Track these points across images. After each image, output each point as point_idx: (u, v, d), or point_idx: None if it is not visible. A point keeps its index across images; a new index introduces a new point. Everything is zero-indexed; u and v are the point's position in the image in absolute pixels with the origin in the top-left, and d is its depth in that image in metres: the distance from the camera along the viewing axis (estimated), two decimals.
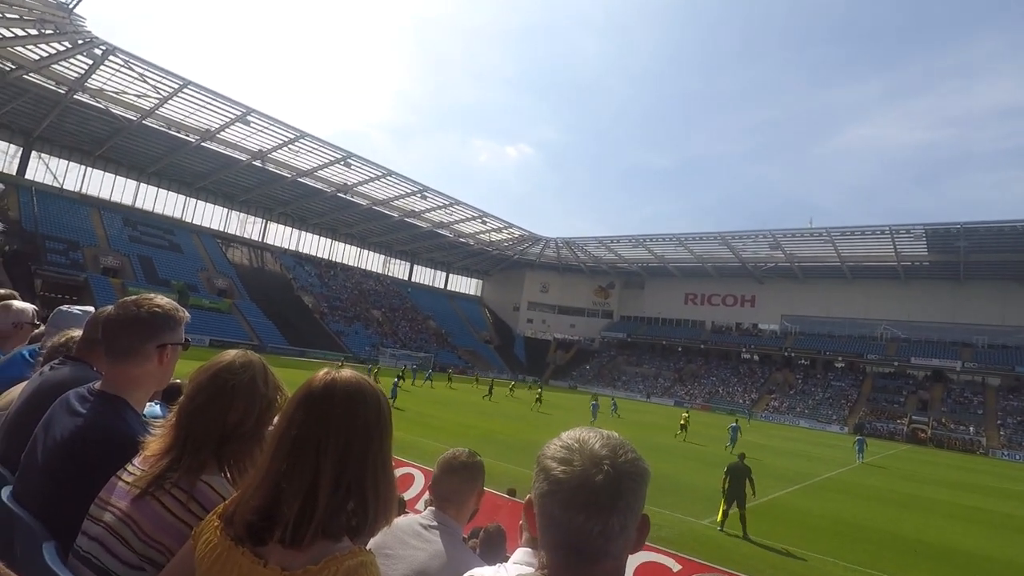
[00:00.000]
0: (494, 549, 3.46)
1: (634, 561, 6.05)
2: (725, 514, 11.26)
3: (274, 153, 54.52)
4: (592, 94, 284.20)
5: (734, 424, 26.21)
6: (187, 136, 51.29)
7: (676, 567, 5.88)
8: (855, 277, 67.55)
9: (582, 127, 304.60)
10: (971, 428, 52.49)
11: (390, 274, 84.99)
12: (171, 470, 1.30)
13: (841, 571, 9.46)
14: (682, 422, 27.85)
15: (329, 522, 1.04)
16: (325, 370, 1.15)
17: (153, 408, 2.62)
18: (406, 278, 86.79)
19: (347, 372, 1.16)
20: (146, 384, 1.61)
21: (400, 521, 1.82)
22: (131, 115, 47.22)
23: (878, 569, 9.76)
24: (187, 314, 1.68)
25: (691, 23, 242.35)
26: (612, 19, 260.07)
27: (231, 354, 1.44)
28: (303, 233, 74.46)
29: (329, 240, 77.34)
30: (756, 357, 74.07)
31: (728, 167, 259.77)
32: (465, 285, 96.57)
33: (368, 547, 1.69)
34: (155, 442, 1.37)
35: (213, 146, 53.16)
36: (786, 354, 71.35)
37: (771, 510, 13.68)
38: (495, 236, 79.26)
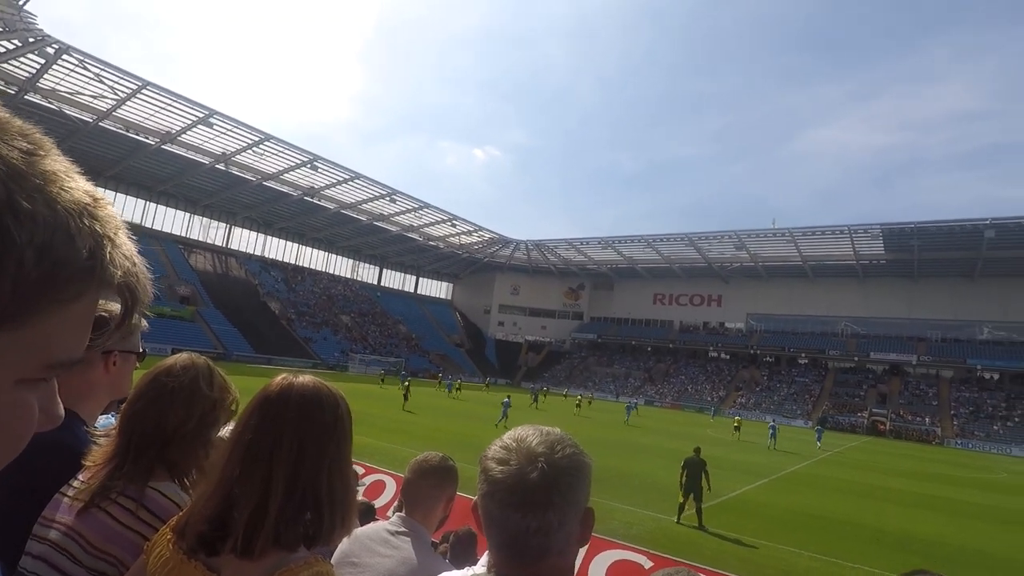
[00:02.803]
0: (464, 552, 3.44)
1: (606, 559, 6.11)
2: (682, 507, 11.51)
3: (238, 156, 53.37)
4: (561, 98, 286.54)
5: (772, 424, 31.65)
6: (146, 138, 49.85)
7: (648, 564, 5.95)
8: (816, 276, 69.55)
9: (551, 130, 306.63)
10: (927, 419, 54.54)
11: (359, 278, 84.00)
12: (114, 479, 1.26)
13: (807, 561, 9.71)
14: (736, 425, 34.05)
15: (283, 531, 0.99)
16: (283, 375, 1.13)
17: (109, 420, 2.53)
18: (375, 282, 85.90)
19: (306, 377, 1.13)
20: (95, 394, 1.55)
21: (367, 528, 1.80)
22: (87, 116, 45.64)
23: (841, 558, 10.05)
24: (142, 321, 1.62)
25: (658, 30, 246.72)
26: (581, 25, 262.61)
27: (174, 357, 1.41)
28: (269, 238, 73.06)
29: (296, 245, 76.07)
30: (723, 355, 75.60)
31: (695, 170, 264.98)
32: (435, 288, 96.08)
33: (334, 556, 1.67)
34: (98, 452, 1.33)
35: (174, 149, 51.79)
36: (752, 352, 73.00)
37: (739, 504, 13.95)
38: (465, 239, 79.09)
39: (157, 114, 46.08)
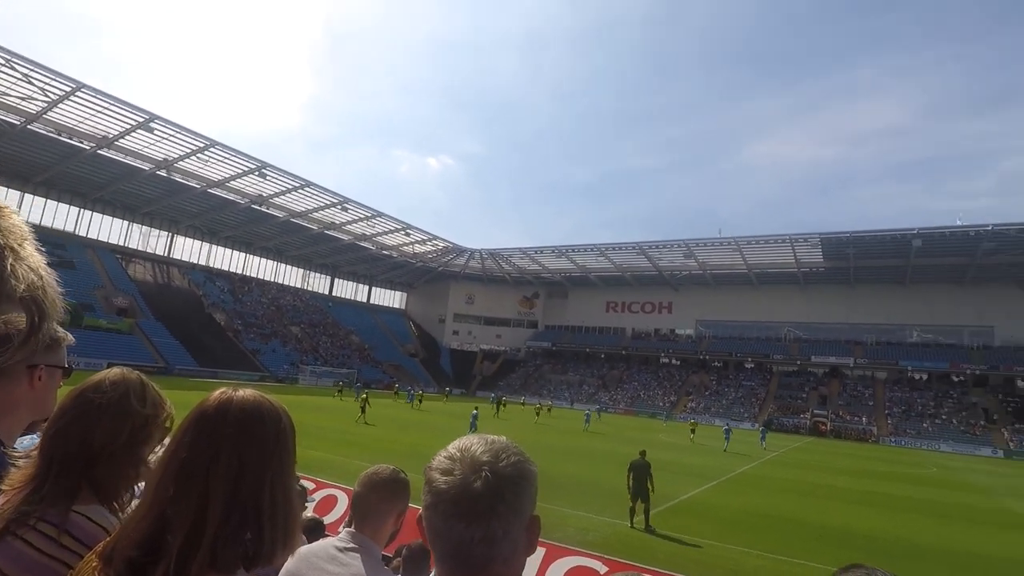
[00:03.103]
0: (417, 567, 3.38)
1: (562, 567, 6.12)
2: (632, 511, 11.70)
3: (181, 162, 51.38)
4: (514, 109, 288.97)
5: (726, 427, 33.91)
6: (81, 143, 47.35)
7: (603, 569, 5.99)
8: (761, 283, 72.27)
9: (505, 140, 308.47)
10: (864, 419, 57.30)
11: (309, 288, 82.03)
12: (31, 503, 1.14)
13: (755, 560, 10.00)
14: (691, 428, 37.43)
15: (220, 553, 0.93)
16: (222, 389, 1.07)
17: (34, 439, 2.37)
18: (327, 292, 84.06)
19: (246, 390, 1.08)
20: (15, 411, 1.42)
21: (313, 546, 1.74)
22: (14, 119, 43.02)
23: (787, 555, 10.41)
24: (68, 335, 1.51)
25: (607, 45, 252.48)
26: (532, 39, 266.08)
27: (103, 373, 1.32)
28: (214, 247, 70.51)
29: (243, 254, 73.68)
30: (674, 361, 77.47)
31: (646, 181, 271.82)
32: (388, 298, 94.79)
33: (280, 575, 1.61)
34: (16, 475, 1.21)
35: (111, 154, 49.40)
36: (701, 357, 75.08)
37: (691, 507, 14.27)
38: (419, 248, 78.44)
39: (93, 118, 43.88)
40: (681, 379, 72.72)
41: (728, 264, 70.06)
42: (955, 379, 61.58)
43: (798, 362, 69.43)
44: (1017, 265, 56.33)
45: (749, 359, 72.80)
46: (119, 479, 1.25)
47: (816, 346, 69.43)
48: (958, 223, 53.30)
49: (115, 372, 1.33)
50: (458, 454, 0.90)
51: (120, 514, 1.20)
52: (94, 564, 0.98)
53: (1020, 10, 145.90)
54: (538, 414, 41.19)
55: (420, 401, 43.07)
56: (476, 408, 29.90)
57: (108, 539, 1.02)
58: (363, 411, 27.87)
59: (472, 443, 0.92)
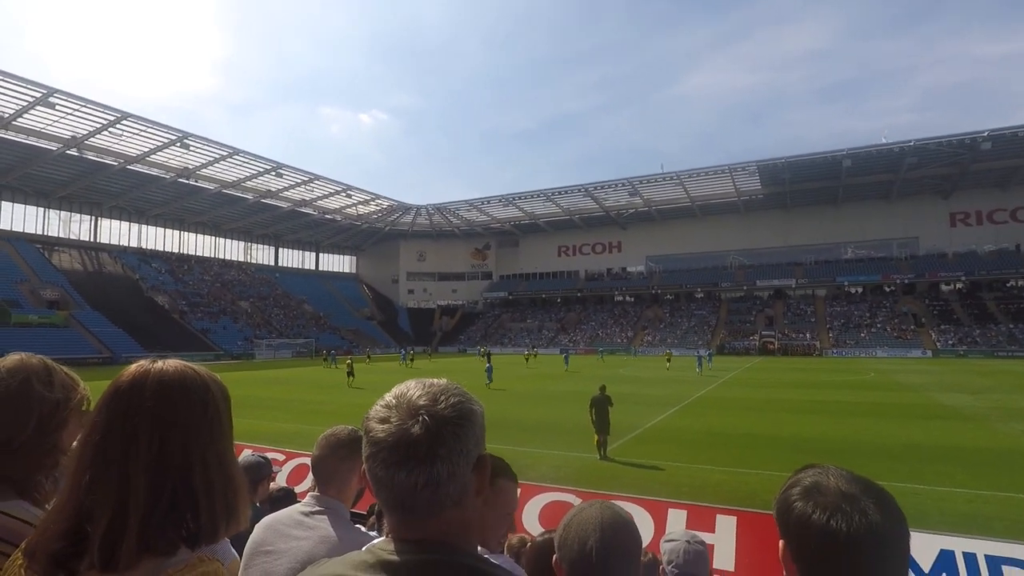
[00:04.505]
0: None
1: (539, 503, 6.30)
2: (599, 443, 12.17)
3: (92, 139, 47.74)
4: (443, 57, 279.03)
5: (698, 354, 38.10)
6: None
7: (576, 502, 6.18)
8: (704, 214, 74.09)
9: (438, 91, 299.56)
10: (808, 335, 60.67)
11: (254, 261, 79.30)
12: None
13: (718, 476, 10.59)
14: (667, 359, 40.72)
15: (153, 535, 0.87)
16: (139, 362, 1.00)
17: None
18: (272, 263, 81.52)
19: (168, 361, 1.01)
20: None
21: (278, 514, 1.68)
22: None
23: (746, 467, 11.08)
24: None
25: None
26: None
27: (2, 360, 1.20)
28: (144, 227, 66.80)
29: (178, 232, 70.19)
30: (628, 298, 79.40)
31: (584, 122, 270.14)
32: (338, 263, 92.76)
33: (245, 548, 1.54)
34: None
35: (9, 135, 45.35)
36: (653, 292, 77.21)
37: (654, 434, 14.92)
38: (363, 209, 76.43)
39: None
40: (636, 315, 74.81)
41: (672, 199, 71.31)
42: (887, 289, 65.66)
43: (744, 288, 72.39)
44: (938, 177, 59.55)
45: (699, 289, 75.34)
46: (35, 470, 1.18)
47: (760, 271, 72.37)
48: (883, 141, 55.56)
49: (12, 358, 1.22)
50: (394, 401, 0.89)
51: (46, 505, 1.15)
52: (19, 562, 0.92)
53: None
54: (527, 360, 45.87)
55: (412, 360, 45.82)
56: (489, 361, 31.69)
57: (32, 534, 0.96)
58: (350, 375, 28.63)
59: (409, 388, 0.90)
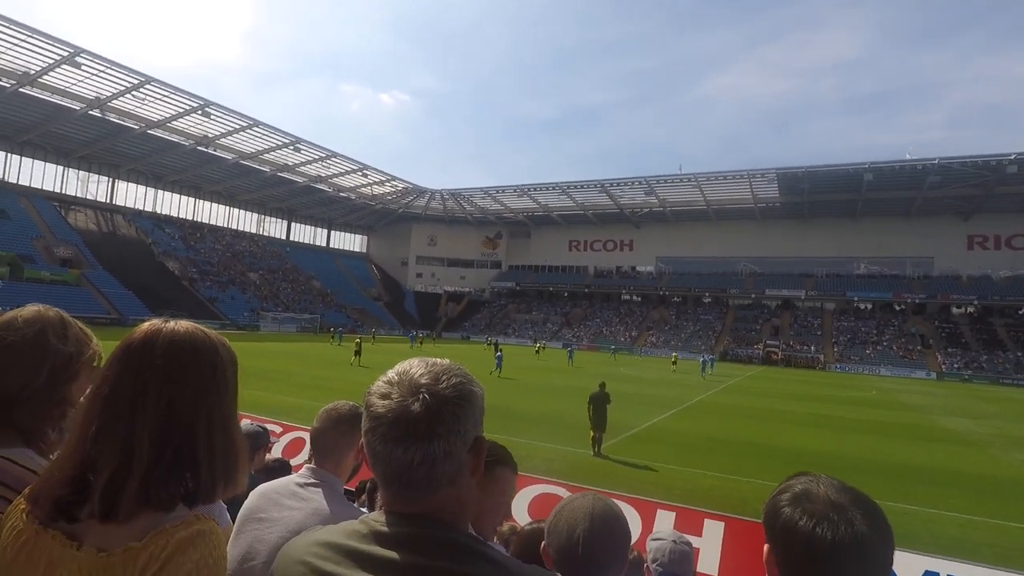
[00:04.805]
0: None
1: (528, 495, 6.35)
2: (594, 440, 12.24)
3: (115, 101, 48.00)
4: (470, 41, 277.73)
5: (703, 359, 38.03)
6: None
7: (566, 495, 6.23)
8: (719, 219, 73.56)
9: (462, 75, 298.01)
10: (812, 347, 60.33)
11: (266, 233, 79.64)
12: None
13: (710, 480, 10.61)
14: (673, 361, 41.49)
15: (154, 490, 0.89)
16: (152, 321, 1.02)
17: None
18: (284, 237, 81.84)
19: (180, 322, 1.03)
20: None
21: (274, 483, 1.72)
22: None
23: (740, 475, 11.08)
24: None
25: None
26: None
27: (17, 310, 1.23)
28: (161, 192, 67.15)
29: (193, 199, 70.50)
30: (635, 297, 79.17)
31: (606, 116, 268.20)
32: (349, 242, 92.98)
33: (239, 513, 1.58)
34: None
35: (36, 92, 45.67)
36: (661, 293, 76.93)
37: (651, 434, 14.94)
38: (378, 189, 76.46)
39: (10, 52, 40.23)
40: (642, 315, 74.62)
41: (688, 200, 70.80)
42: (897, 308, 65.06)
43: (753, 296, 71.95)
44: (959, 197, 58.73)
45: (707, 294, 74.97)
46: (44, 421, 1.20)
47: (770, 280, 71.88)
48: (907, 157, 54.80)
49: (30, 309, 1.24)
50: (396, 377, 0.90)
51: (50, 456, 1.16)
52: (23, 507, 0.95)
53: None
54: (538, 352, 46.85)
55: (421, 343, 46.91)
56: (500, 350, 31.44)
57: (36, 480, 0.99)
58: (357, 355, 28.36)
59: (412, 366, 0.91)
